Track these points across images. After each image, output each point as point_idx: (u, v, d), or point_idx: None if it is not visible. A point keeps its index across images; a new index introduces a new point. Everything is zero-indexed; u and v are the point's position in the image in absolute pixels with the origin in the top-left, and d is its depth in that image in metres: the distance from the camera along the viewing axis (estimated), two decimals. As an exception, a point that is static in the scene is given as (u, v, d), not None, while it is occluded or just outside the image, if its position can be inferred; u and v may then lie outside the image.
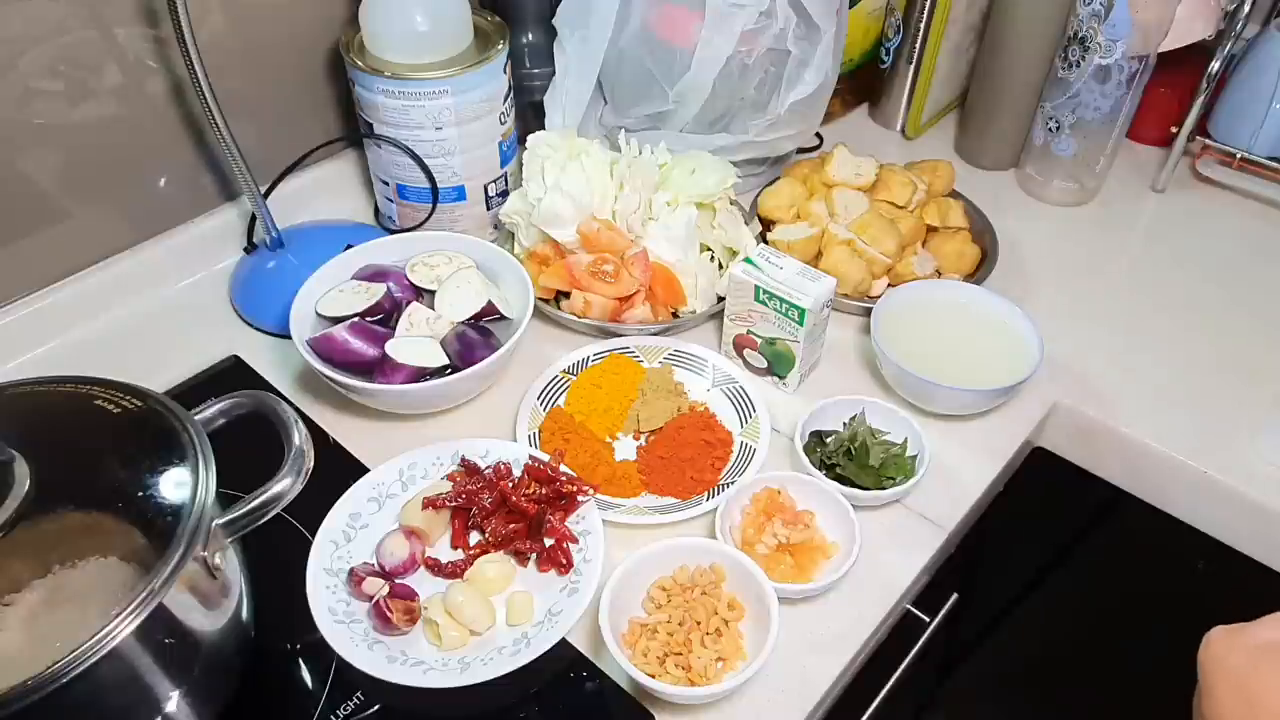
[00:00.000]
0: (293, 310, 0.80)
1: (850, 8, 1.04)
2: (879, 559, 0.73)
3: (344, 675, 0.65)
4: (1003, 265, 0.95)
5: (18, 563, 0.52)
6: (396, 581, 0.68)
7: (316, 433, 0.81)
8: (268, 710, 0.65)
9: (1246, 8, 0.98)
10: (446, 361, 0.80)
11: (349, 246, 0.87)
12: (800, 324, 0.80)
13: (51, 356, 0.88)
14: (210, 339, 0.90)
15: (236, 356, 0.88)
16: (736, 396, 0.83)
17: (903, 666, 0.81)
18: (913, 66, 1.13)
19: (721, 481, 0.77)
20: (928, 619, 0.80)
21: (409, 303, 0.83)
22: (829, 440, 0.78)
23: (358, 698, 0.64)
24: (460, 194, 0.94)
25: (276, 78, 0.95)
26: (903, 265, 0.92)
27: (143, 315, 0.92)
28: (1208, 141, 1.06)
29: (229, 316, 0.93)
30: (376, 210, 1.02)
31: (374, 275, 0.85)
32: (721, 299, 0.89)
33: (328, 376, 0.77)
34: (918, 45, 1.11)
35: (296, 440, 0.60)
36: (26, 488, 0.53)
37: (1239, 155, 1.04)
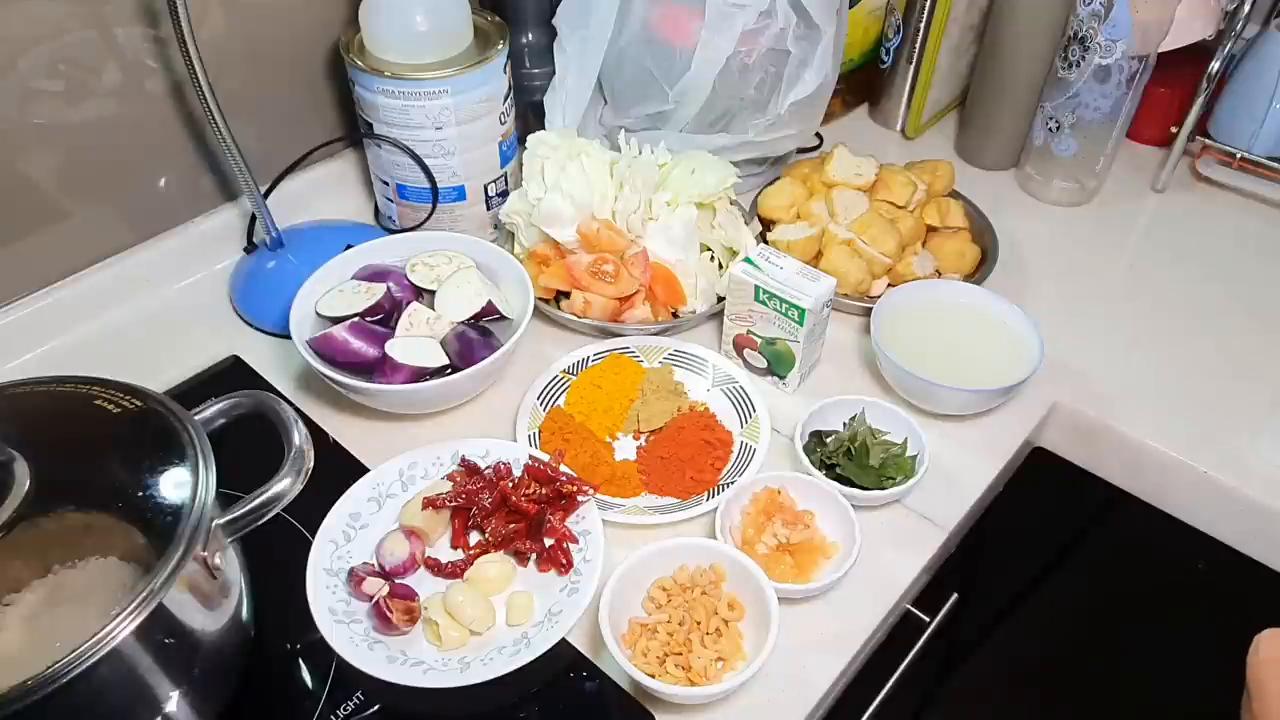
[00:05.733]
0: (293, 310, 0.80)
1: (850, 8, 1.04)
2: (879, 559, 0.73)
3: (344, 675, 0.65)
4: (1003, 265, 0.95)
5: (18, 563, 0.52)
6: (396, 581, 0.68)
7: (316, 433, 0.81)
8: (268, 710, 0.65)
9: (1246, 8, 0.99)
10: (446, 361, 0.80)
11: (349, 246, 0.87)
12: (800, 324, 0.80)
13: (51, 356, 0.88)
14: (210, 339, 0.90)
15: (236, 356, 0.88)
16: (736, 396, 0.83)
17: (903, 666, 0.82)
18: (913, 66, 1.13)
19: (721, 481, 0.77)
20: (928, 619, 0.80)
21: (409, 303, 0.83)
22: (829, 440, 0.78)
23: (358, 698, 0.64)
24: (460, 194, 0.94)
25: (276, 78, 0.95)
26: (903, 265, 0.92)
27: (143, 315, 0.92)
28: (1208, 141, 1.06)
29: (229, 316, 0.93)
30: (376, 210, 1.02)
31: (374, 275, 0.85)
32: (721, 299, 0.89)
33: (328, 376, 0.77)
34: (918, 45, 1.11)
35: (296, 440, 0.60)
36: (26, 488, 0.53)
37: (1239, 155, 1.04)
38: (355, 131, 0.97)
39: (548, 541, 0.70)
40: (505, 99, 0.92)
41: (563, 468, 0.73)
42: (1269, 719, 0.52)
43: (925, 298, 0.88)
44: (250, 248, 0.95)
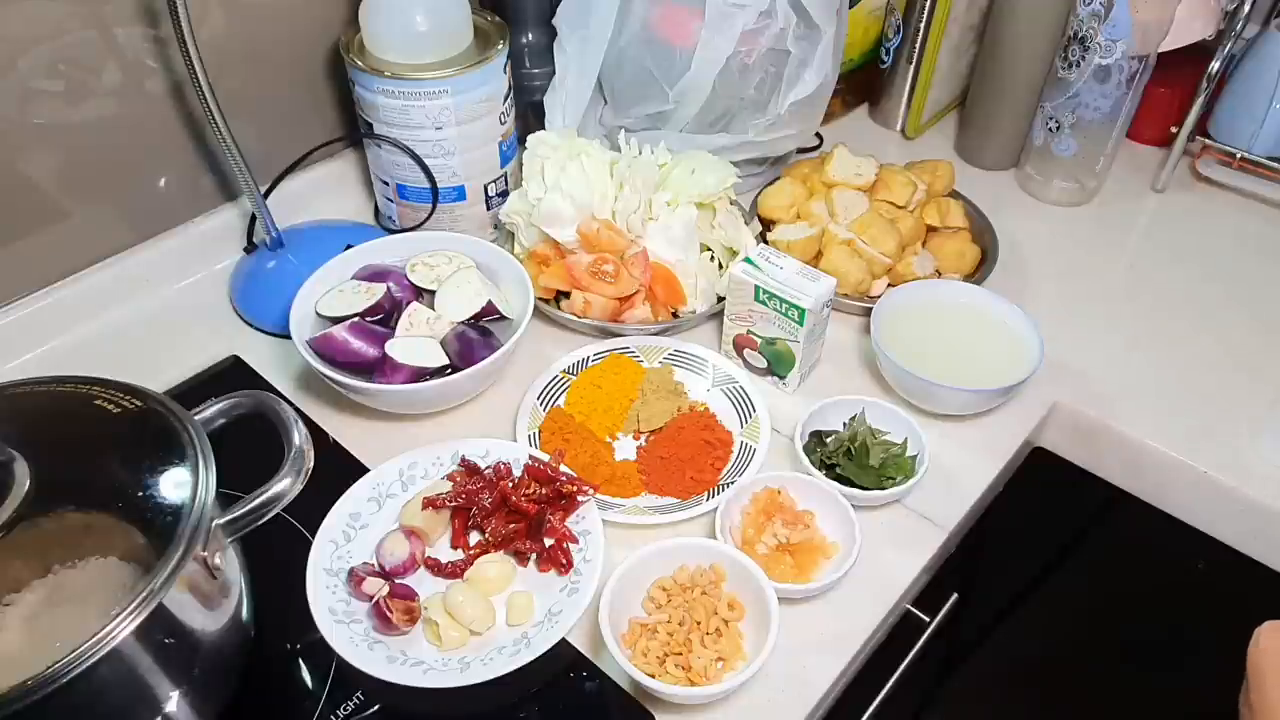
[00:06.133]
0: (293, 310, 0.80)
1: (850, 8, 1.04)
2: (879, 559, 0.73)
3: (344, 675, 0.65)
4: (1003, 265, 0.95)
5: (18, 563, 0.52)
6: (396, 581, 0.68)
7: (316, 433, 0.81)
8: (268, 710, 0.65)
9: (1246, 8, 0.99)
10: (446, 361, 0.80)
11: (349, 246, 0.87)
12: (800, 324, 0.80)
13: (51, 356, 0.88)
14: (210, 339, 0.90)
15: (236, 356, 0.88)
16: (736, 396, 0.83)
17: (903, 666, 0.82)
18: (913, 66, 1.13)
19: (721, 481, 0.77)
20: (928, 619, 0.80)
21: (409, 303, 0.83)
22: (829, 440, 0.78)
23: (358, 698, 0.64)
24: (460, 194, 0.94)
25: (276, 78, 0.95)
26: (903, 265, 0.92)
27: (143, 315, 0.92)
28: (1208, 141, 1.06)
29: (229, 316, 0.93)
30: (376, 210, 1.02)
31: (374, 275, 0.85)
32: (721, 299, 0.89)
33: (328, 376, 0.77)
34: (918, 45, 1.11)
35: (296, 440, 0.60)
36: (26, 488, 0.53)
37: (1239, 155, 1.04)
38: (355, 131, 0.97)
39: (548, 541, 0.70)
40: (505, 99, 0.92)
41: (563, 468, 0.73)
42: (1265, 706, 0.53)
43: (925, 298, 0.88)
44: (250, 248, 0.95)
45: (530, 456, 0.74)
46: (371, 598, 0.65)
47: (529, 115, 1.02)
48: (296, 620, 0.65)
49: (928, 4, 1.08)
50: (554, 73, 0.96)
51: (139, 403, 0.60)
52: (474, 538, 0.72)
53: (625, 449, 0.81)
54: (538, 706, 0.65)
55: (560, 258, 0.89)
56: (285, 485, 0.58)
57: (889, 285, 0.92)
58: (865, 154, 0.98)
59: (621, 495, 0.76)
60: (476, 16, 0.91)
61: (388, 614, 0.64)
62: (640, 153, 0.90)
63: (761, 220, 0.98)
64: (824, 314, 0.82)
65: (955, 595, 0.85)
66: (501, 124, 0.93)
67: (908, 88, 1.16)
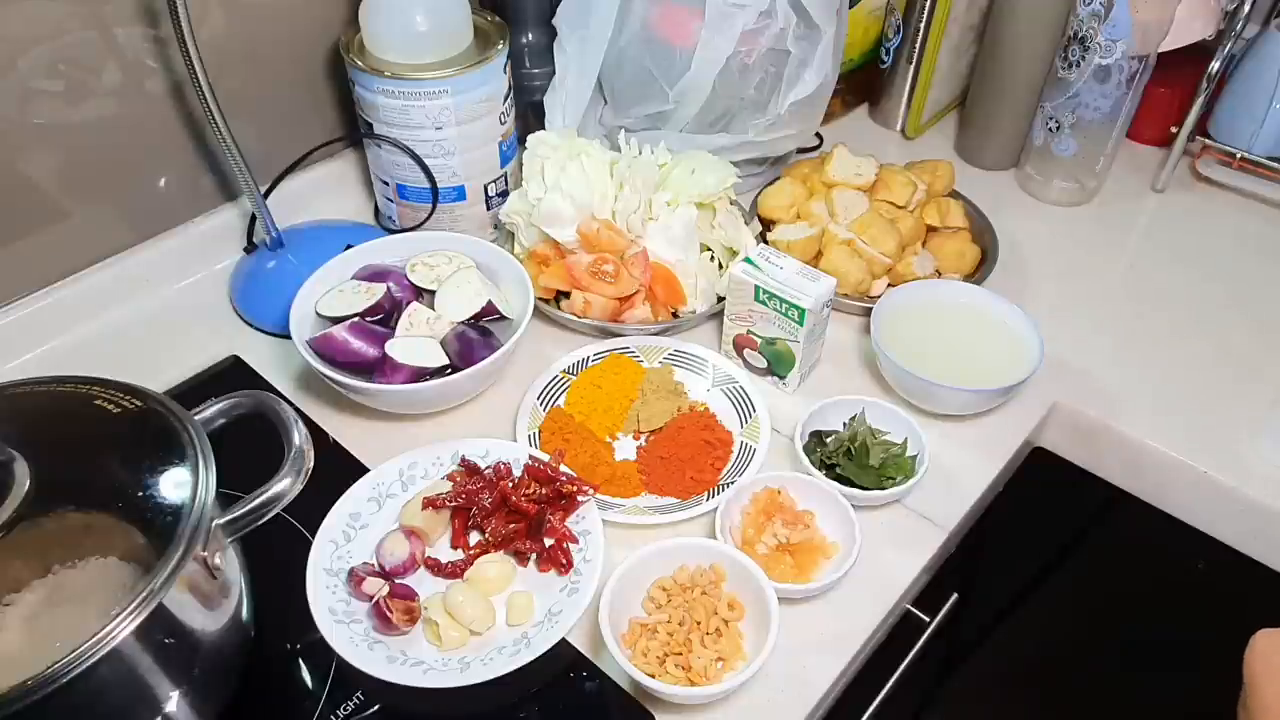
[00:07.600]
0: (293, 310, 0.80)
1: (850, 8, 1.04)
2: (879, 559, 0.73)
3: (344, 675, 0.65)
4: (1003, 265, 0.95)
5: (18, 563, 0.52)
6: (396, 581, 0.68)
7: (316, 433, 0.81)
8: (268, 710, 0.65)
9: (1246, 8, 0.99)
10: (446, 361, 0.80)
11: (349, 246, 0.87)
12: (800, 324, 0.80)
13: (51, 356, 0.88)
14: (210, 339, 0.90)
15: (236, 356, 0.88)
16: (736, 396, 0.83)
17: (903, 666, 0.82)
18: (913, 66, 1.13)
19: (721, 481, 0.77)
20: (928, 619, 0.80)
21: (409, 303, 0.83)
22: (829, 440, 0.78)
23: (358, 698, 0.64)
24: (460, 194, 0.94)
25: (276, 78, 0.95)
26: (903, 265, 0.92)
27: (143, 315, 0.92)
28: (1208, 141, 1.06)
29: (229, 316, 0.93)
30: (376, 210, 1.02)
31: (374, 275, 0.85)
32: (721, 299, 0.89)
33: (328, 376, 0.77)
34: (918, 45, 1.11)
35: (296, 440, 0.60)
36: (26, 488, 0.53)
37: (1239, 155, 1.04)
38: (355, 131, 0.97)
39: (548, 541, 0.70)
40: (505, 99, 0.92)
41: (563, 468, 0.73)
42: (1260, 710, 0.53)
43: (925, 298, 0.88)
44: (250, 248, 0.95)
45: (530, 456, 0.74)
46: (371, 598, 0.65)
47: (529, 115, 1.02)
48: (296, 620, 0.65)
49: (928, 4, 1.08)
50: (554, 73, 0.96)
51: (139, 403, 0.60)
52: (474, 538, 0.72)
53: (625, 449, 0.81)
54: (538, 706, 0.65)
55: (560, 258, 0.89)
56: (285, 485, 0.58)
57: (889, 285, 0.92)
58: (865, 154, 0.98)
59: (621, 495, 0.76)
60: (476, 16, 0.91)
61: (388, 614, 0.64)
62: (640, 153, 0.90)
63: (761, 220, 0.98)
64: (824, 314, 0.82)
65: (955, 595, 0.85)
66: (501, 124, 0.93)
67: (908, 88, 1.16)
